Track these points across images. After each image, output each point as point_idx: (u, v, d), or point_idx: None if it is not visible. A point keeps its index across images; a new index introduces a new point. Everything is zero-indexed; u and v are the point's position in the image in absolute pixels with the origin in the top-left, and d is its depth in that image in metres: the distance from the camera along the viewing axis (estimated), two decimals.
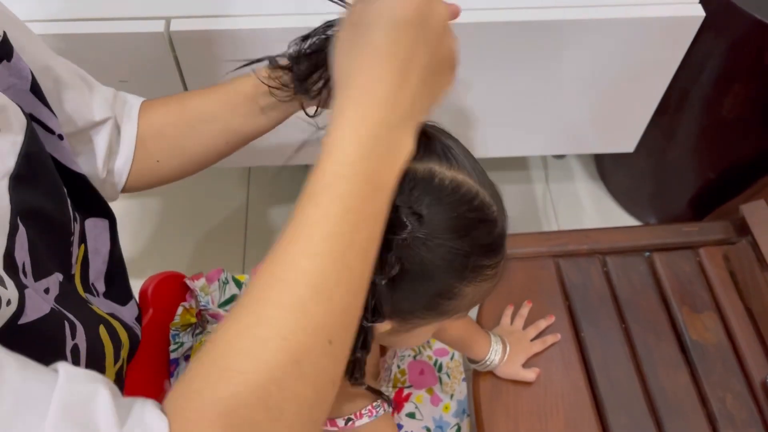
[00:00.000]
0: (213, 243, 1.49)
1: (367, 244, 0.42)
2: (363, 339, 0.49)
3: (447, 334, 0.83)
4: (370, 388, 0.58)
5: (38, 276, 0.49)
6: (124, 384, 0.64)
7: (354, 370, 0.51)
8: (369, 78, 0.42)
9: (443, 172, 0.48)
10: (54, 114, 0.56)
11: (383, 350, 0.76)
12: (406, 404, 0.88)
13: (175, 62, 0.93)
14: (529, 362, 0.86)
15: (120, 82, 0.91)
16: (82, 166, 0.61)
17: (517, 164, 1.66)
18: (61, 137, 0.57)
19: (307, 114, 0.62)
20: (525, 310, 0.91)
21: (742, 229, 0.98)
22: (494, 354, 0.83)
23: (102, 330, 0.57)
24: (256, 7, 0.90)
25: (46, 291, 0.50)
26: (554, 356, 0.88)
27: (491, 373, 0.86)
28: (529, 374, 0.84)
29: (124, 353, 0.61)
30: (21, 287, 0.43)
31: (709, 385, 0.86)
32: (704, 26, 0.91)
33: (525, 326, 0.90)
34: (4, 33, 0.51)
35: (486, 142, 1.11)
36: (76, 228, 0.58)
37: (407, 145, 0.44)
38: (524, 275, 0.96)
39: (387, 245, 0.45)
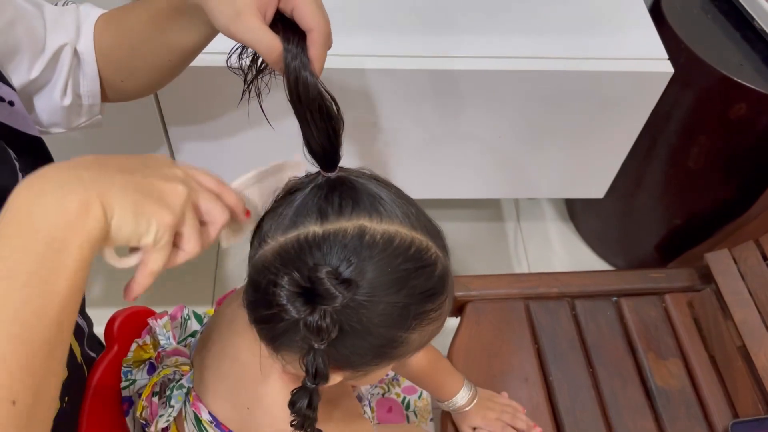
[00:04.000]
0: (183, 275, 1.47)
1: (54, 317, 0.38)
2: (309, 400, 0.48)
3: (409, 370, 0.82)
4: None
5: None
6: (82, 418, 0.63)
7: (306, 426, 0.50)
8: (63, 166, 0.41)
9: (374, 227, 0.47)
10: (2, 80, 0.55)
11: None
12: None
13: (153, 95, 0.93)
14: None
15: None
16: (43, 98, 0.62)
17: (490, 203, 1.69)
18: (11, 104, 0.56)
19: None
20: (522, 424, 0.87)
21: (707, 277, 1.01)
22: (460, 399, 0.83)
23: None
24: None
25: None
26: (522, 399, 0.89)
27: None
28: None
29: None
30: None
31: None
32: (673, 80, 0.94)
33: (500, 364, 0.91)
34: None
35: (458, 184, 1.12)
36: None
37: (73, 202, 0.38)
38: (494, 317, 0.97)
39: (321, 313, 0.45)
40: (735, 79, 1.04)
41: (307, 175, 0.53)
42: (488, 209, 1.68)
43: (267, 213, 0.52)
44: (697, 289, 1.02)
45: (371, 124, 0.98)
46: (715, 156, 1.18)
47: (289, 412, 0.50)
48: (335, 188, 0.50)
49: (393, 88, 0.92)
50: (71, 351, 0.65)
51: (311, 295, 0.45)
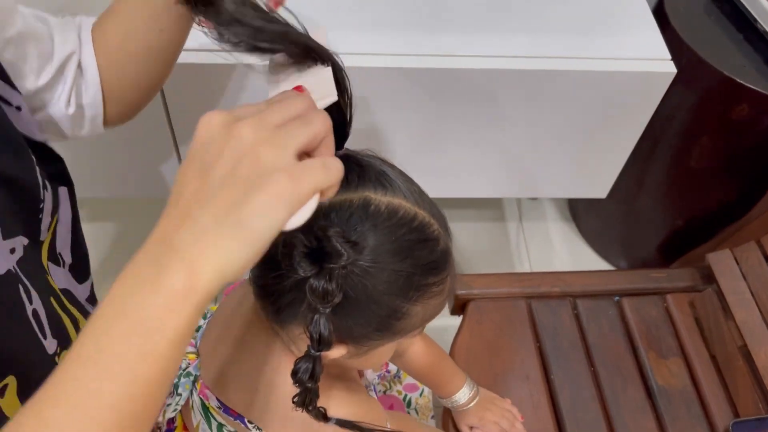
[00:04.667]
0: None
1: (129, 389, 0.36)
2: (312, 369, 0.49)
3: (411, 365, 0.83)
4: (341, 422, 0.57)
5: (6, 235, 0.49)
6: None
7: (307, 401, 0.50)
8: (163, 215, 0.39)
9: (378, 198, 0.49)
10: (11, 86, 0.56)
11: (360, 374, 0.76)
12: None
13: (160, 93, 0.94)
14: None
15: None
16: (49, 108, 0.62)
17: (492, 203, 1.69)
18: (19, 108, 0.57)
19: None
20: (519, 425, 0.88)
21: (708, 277, 1.01)
22: (461, 396, 0.84)
23: (53, 302, 0.57)
24: None
25: (12, 251, 0.50)
26: (524, 398, 0.89)
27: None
28: None
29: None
30: None
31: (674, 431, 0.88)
32: (675, 80, 0.94)
33: (501, 363, 0.91)
34: None
35: (460, 183, 1.12)
36: (47, 196, 0.57)
37: (175, 282, 0.36)
38: (497, 315, 0.98)
39: (327, 275, 0.46)
40: (737, 80, 1.05)
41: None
42: (491, 209, 1.68)
43: None
44: (698, 289, 1.02)
45: (372, 123, 0.98)
46: (717, 156, 1.19)
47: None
48: (342, 163, 0.49)
49: (393, 86, 0.93)
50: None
51: (318, 254, 0.46)
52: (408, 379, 0.96)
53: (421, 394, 0.95)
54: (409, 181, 0.53)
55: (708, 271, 1.00)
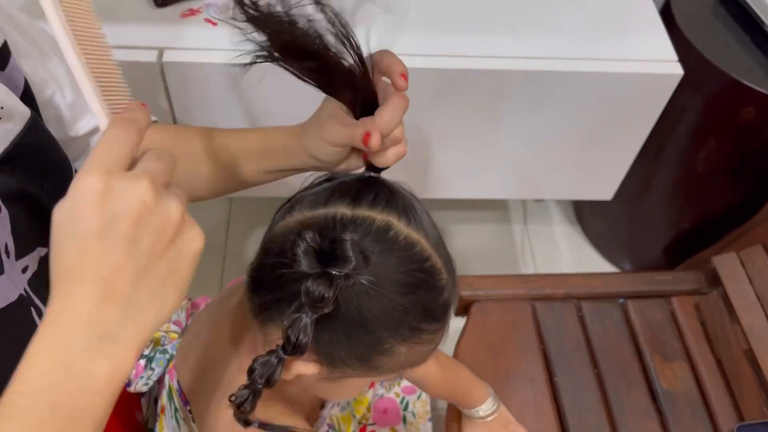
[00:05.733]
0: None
1: None
2: (272, 371, 0.47)
3: (429, 388, 0.82)
4: (263, 425, 0.54)
5: (20, 255, 0.49)
6: None
7: (243, 400, 0.48)
8: (67, 295, 0.36)
9: (400, 227, 0.48)
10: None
11: (322, 404, 0.74)
12: None
13: (165, 92, 0.94)
14: (503, 404, 0.86)
15: None
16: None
17: (497, 205, 1.69)
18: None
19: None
20: None
21: (714, 280, 1.00)
22: (485, 409, 0.83)
23: None
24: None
25: (24, 270, 0.50)
26: (527, 400, 0.89)
27: (465, 415, 0.86)
28: None
29: None
30: None
31: None
32: (683, 82, 0.94)
33: (505, 364, 0.91)
34: (5, 41, 0.51)
35: (465, 184, 1.12)
36: None
37: (104, 367, 0.36)
38: (501, 317, 0.97)
39: (328, 279, 0.44)
40: (744, 82, 1.04)
41: (352, 173, 0.54)
42: (496, 210, 1.68)
43: (301, 190, 0.53)
44: (704, 292, 1.02)
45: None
46: (723, 159, 1.18)
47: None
48: (374, 185, 0.51)
49: None
50: None
51: (327, 256, 0.46)
52: (405, 382, 0.95)
53: (418, 398, 0.95)
54: (433, 224, 0.53)
55: (714, 274, 1.00)
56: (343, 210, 0.48)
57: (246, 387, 0.48)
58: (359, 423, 0.90)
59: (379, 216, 0.48)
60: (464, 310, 0.99)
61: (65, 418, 0.35)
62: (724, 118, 1.12)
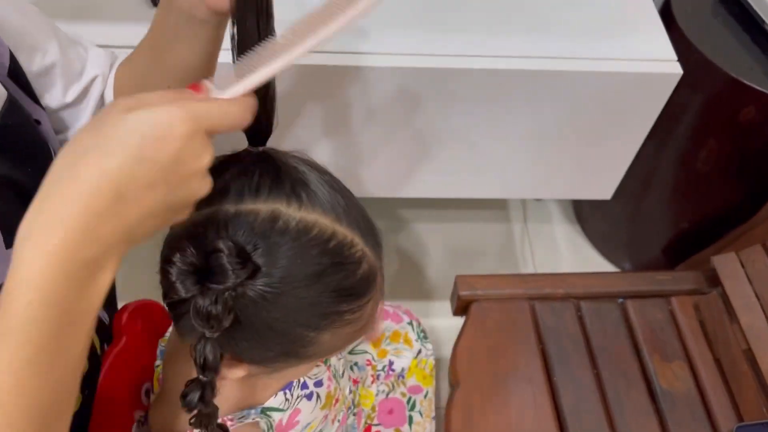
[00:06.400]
0: None
1: (61, 377, 0.37)
2: (201, 394, 0.45)
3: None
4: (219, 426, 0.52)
5: (9, 244, 0.48)
6: (92, 410, 0.64)
7: (204, 422, 0.47)
8: (75, 201, 0.34)
9: (290, 212, 0.44)
10: (33, 99, 0.57)
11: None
12: None
13: None
14: (502, 404, 0.87)
15: None
16: (72, 130, 0.63)
17: (497, 204, 1.68)
18: (38, 122, 0.57)
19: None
20: None
21: (713, 280, 1.00)
22: None
23: None
24: None
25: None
26: (526, 400, 0.89)
27: (463, 415, 0.86)
28: None
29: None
30: None
31: None
32: (682, 81, 0.94)
33: (504, 364, 0.91)
34: None
35: (465, 184, 1.12)
36: None
37: (105, 279, 0.37)
38: (500, 316, 0.97)
39: (214, 296, 0.41)
40: (745, 81, 1.04)
41: (233, 152, 0.48)
42: (495, 210, 1.68)
43: None
44: (703, 292, 1.02)
45: (374, 123, 0.98)
46: (723, 159, 1.18)
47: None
48: (258, 166, 0.46)
49: (398, 87, 0.93)
50: (93, 346, 0.66)
51: (204, 273, 0.42)
52: (412, 381, 0.95)
53: (425, 396, 0.95)
54: (338, 191, 0.47)
55: (713, 274, 1.00)
56: (226, 206, 0.44)
57: (193, 418, 0.46)
58: (365, 423, 0.90)
59: (264, 206, 0.43)
60: (463, 309, 0.99)
61: (67, 324, 0.35)
62: (724, 117, 1.11)
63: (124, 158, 0.35)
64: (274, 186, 0.44)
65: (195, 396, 0.45)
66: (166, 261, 0.44)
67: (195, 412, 0.46)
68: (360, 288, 0.48)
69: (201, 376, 0.44)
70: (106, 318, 0.71)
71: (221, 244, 0.41)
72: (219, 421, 0.49)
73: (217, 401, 0.47)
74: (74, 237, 0.34)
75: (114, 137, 0.35)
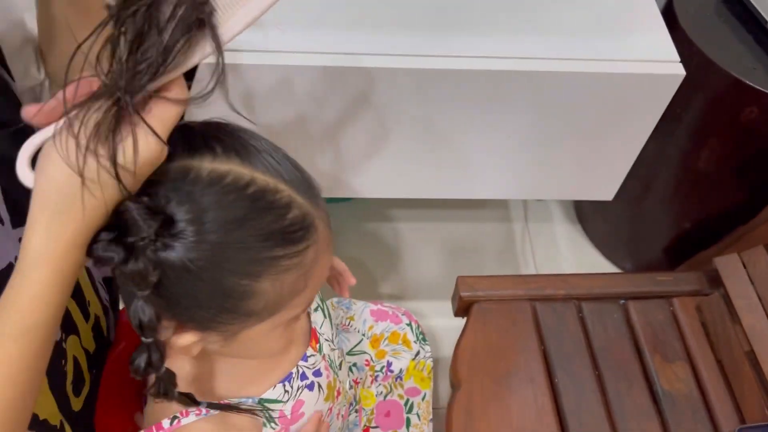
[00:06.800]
0: None
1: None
2: (147, 357, 0.45)
3: None
4: (183, 395, 0.52)
5: (16, 224, 0.49)
6: (95, 413, 0.64)
7: (162, 389, 0.48)
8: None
9: (201, 165, 0.44)
10: (7, 71, 0.56)
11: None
12: None
13: None
14: (503, 405, 0.86)
15: None
16: None
17: (498, 204, 1.68)
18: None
19: None
20: None
21: (715, 281, 1.00)
22: None
23: None
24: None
25: (20, 240, 0.50)
26: (528, 401, 0.89)
27: (464, 416, 0.86)
28: None
29: (94, 310, 0.61)
30: None
31: None
32: (684, 82, 0.93)
33: (506, 365, 0.91)
34: None
35: (466, 185, 1.12)
36: None
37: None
38: (501, 317, 0.97)
39: (133, 253, 0.42)
40: (747, 82, 1.04)
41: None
42: (496, 210, 1.67)
43: None
44: (705, 293, 1.01)
45: (376, 123, 0.98)
46: (725, 160, 1.18)
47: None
48: (175, 132, 0.45)
49: (398, 87, 0.92)
50: (99, 326, 0.66)
51: (121, 232, 0.42)
52: (410, 383, 0.95)
53: (423, 399, 0.95)
54: (258, 147, 0.48)
55: (715, 274, 0.99)
56: None
57: (154, 381, 0.47)
58: (365, 423, 0.90)
59: (174, 164, 0.44)
60: (464, 310, 0.99)
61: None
62: (727, 118, 1.11)
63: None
64: (185, 146, 0.45)
65: (142, 360, 0.45)
66: (94, 242, 0.44)
67: (153, 382, 0.47)
68: (293, 232, 0.47)
69: (143, 339, 0.45)
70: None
71: (128, 203, 0.42)
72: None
73: (204, 381, 0.47)
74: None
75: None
